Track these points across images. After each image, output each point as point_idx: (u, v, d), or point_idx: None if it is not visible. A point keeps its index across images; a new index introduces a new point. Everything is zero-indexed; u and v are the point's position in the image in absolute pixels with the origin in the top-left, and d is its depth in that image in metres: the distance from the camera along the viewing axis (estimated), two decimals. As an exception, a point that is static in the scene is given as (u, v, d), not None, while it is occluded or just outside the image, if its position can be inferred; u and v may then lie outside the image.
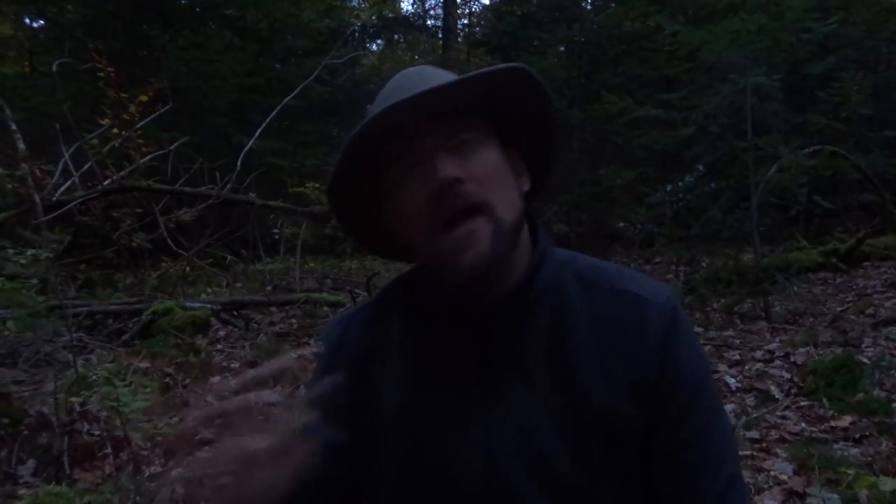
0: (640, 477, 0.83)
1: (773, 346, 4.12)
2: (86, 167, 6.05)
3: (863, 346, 3.88)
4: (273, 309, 5.90)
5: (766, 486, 2.40)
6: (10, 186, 5.41)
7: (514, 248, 0.79)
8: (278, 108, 7.32)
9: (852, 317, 4.74)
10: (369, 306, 0.93)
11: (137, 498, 2.47)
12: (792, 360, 3.79)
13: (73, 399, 3.09)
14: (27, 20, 12.85)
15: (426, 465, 0.82)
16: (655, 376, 0.80)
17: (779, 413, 3.12)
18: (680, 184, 7.50)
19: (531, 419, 0.80)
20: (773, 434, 2.87)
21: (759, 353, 3.98)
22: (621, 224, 10.63)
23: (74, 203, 5.60)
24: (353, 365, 0.88)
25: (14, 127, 5.14)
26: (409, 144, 0.76)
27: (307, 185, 7.45)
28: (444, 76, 0.81)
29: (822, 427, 2.91)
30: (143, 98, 6.37)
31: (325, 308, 5.60)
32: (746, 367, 3.76)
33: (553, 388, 0.80)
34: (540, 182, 0.90)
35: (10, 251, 4.01)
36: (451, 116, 0.76)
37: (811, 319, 4.84)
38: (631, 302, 0.83)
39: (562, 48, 10.49)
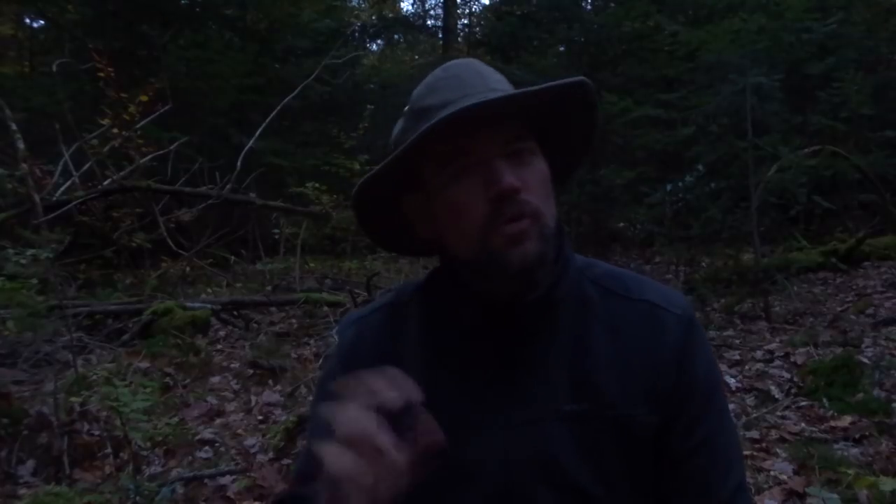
0: (652, 482, 0.84)
1: (773, 346, 4.12)
2: (86, 167, 6.05)
3: (863, 346, 3.88)
4: (273, 309, 5.89)
5: (766, 486, 2.41)
6: (10, 186, 5.41)
7: (554, 252, 0.80)
8: (278, 108, 7.32)
9: (852, 317, 4.74)
10: (384, 307, 0.93)
11: (137, 498, 2.47)
12: (792, 360, 3.79)
13: (73, 399, 3.09)
14: (27, 20, 12.85)
15: (445, 464, 0.82)
16: (671, 383, 0.82)
17: (779, 413, 3.12)
18: (680, 184, 7.50)
19: (548, 424, 0.81)
20: (773, 434, 2.87)
21: (759, 353, 3.98)
22: (621, 224, 10.62)
23: (74, 203, 5.60)
24: (368, 365, 0.88)
25: (14, 127, 5.13)
26: (471, 144, 0.77)
27: (307, 185, 7.45)
28: (495, 76, 0.82)
29: (822, 427, 2.91)
30: (143, 98, 6.37)
31: (325, 308, 5.59)
32: (746, 367, 3.76)
33: (571, 394, 0.81)
34: (564, 181, 0.92)
35: (10, 251, 4.01)
36: (510, 122, 0.77)
37: (811, 319, 4.84)
38: (648, 311, 0.84)
39: (562, 48, 10.49)
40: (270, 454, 3.01)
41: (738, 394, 3.41)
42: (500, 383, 0.82)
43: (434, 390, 0.83)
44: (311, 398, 3.53)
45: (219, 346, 4.86)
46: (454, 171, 0.78)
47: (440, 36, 15.93)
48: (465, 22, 17.99)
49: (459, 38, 15.99)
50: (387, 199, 0.85)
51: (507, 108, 0.76)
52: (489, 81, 0.80)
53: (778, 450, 2.70)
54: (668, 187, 7.55)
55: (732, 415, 3.04)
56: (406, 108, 0.85)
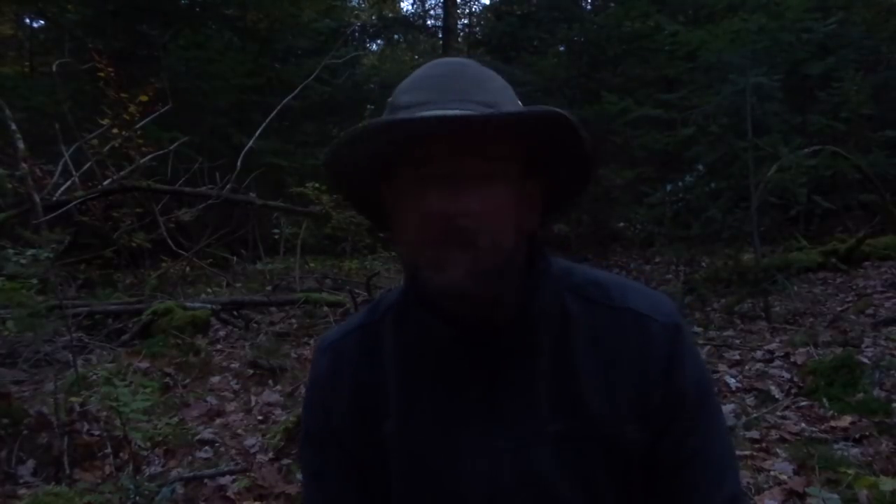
0: (643, 496, 0.83)
1: (773, 346, 4.11)
2: (86, 167, 6.05)
3: (863, 346, 3.87)
4: (273, 309, 5.89)
5: (766, 486, 2.40)
6: (10, 186, 5.41)
7: (492, 287, 0.75)
8: (278, 108, 7.32)
9: (852, 317, 4.74)
10: (356, 330, 0.90)
11: (137, 498, 2.47)
12: (792, 360, 3.78)
13: (73, 399, 3.09)
14: (27, 20, 12.85)
15: (430, 489, 0.81)
16: (660, 395, 0.79)
17: (779, 413, 3.11)
18: (680, 184, 7.51)
19: (533, 444, 0.79)
20: (773, 434, 2.87)
21: (759, 353, 3.98)
22: (621, 224, 10.63)
23: (74, 203, 5.60)
24: (348, 395, 0.86)
25: (14, 127, 5.14)
26: (425, 156, 0.73)
27: (307, 185, 7.45)
28: (484, 83, 0.76)
29: (822, 427, 2.91)
30: (143, 98, 6.37)
31: (325, 308, 5.60)
32: (746, 367, 3.76)
33: (555, 412, 0.79)
34: (559, 210, 0.88)
35: (10, 251, 4.01)
36: (474, 139, 0.72)
37: (811, 319, 4.84)
38: (632, 320, 0.81)
39: (562, 48, 10.50)
40: (270, 454, 3.01)
41: (738, 394, 3.41)
42: (482, 404, 0.80)
43: (415, 412, 0.82)
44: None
45: (219, 346, 4.85)
46: (408, 177, 0.74)
47: (440, 36, 15.90)
48: (465, 22, 18.01)
49: (459, 38, 15.99)
50: (369, 182, 0.82)
51: (455, 126, 0.70)
52: (470, 89, 0.74)
53: (778, 450, 2.70)
54: (668, 187, 7.56)
55: (732, 415, 3.06)
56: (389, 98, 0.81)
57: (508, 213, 0.75)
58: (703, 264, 6.96)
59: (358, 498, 0.87)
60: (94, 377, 3.52)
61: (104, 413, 3.12)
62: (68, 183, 5.86)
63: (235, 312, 5.68)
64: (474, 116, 0.70)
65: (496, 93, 0.77)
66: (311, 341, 4.94)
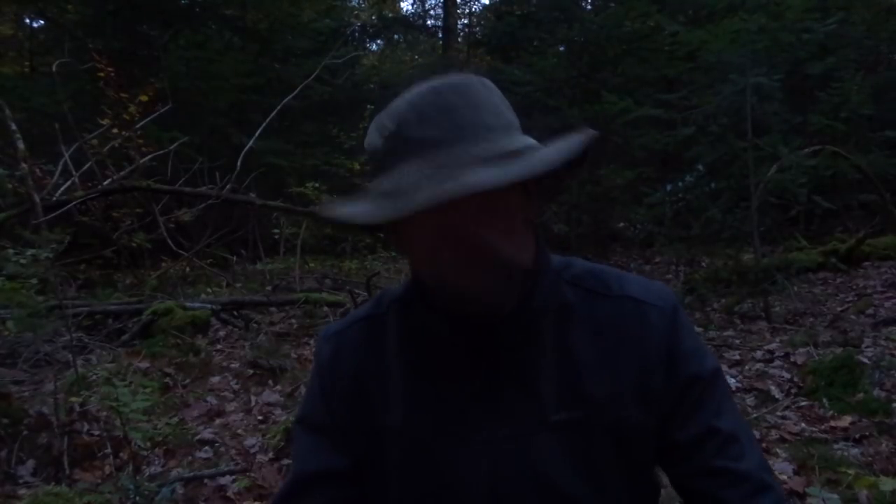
0: (649, 480, 0.83)
1: (773, 346, 4.11)
2: (86, 167, 6.05)
3: (863, 346, 3.88)
4: (273, 309, 5.89)
5: (766, 486, 2.40)
6: (10, 186, 5.41)
7: (514, 289, 0.77)
8: (278, 108, 7.31)
9: (852, 317, 4.74)
10: (361, 320, 0.91)
11: (137, 498, 2.47)
12: (792, 360, 3.78)
13: (73, 399, 3.09)
14: (27, 20, 12.85)
15: (431, 482, 0.82)
16: (662, 378, 0.80)
17: (779, 413, 3.11)
18: (680, 184, 7.50)
19: (535, 435, 0.79)
20: (773, 434, 2.87)
21: (759, 353, 3.98)
22: (621, 224, 10.63)
23: (74, 203, 5.60)
24: (349, 383, 0.87)
25: (14, 127, 5.13)
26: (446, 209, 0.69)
27: (307, 185, 7.45)
28: (489, 103, 0.74)
29: (822, 427, 2.91)
30: (143, 98, 6.38)
31: (325, 308, 5.60)
32: (746, 367, 3.76)
33: (558, 402, 0.80)
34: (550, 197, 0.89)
35: (10, 251, 4.01)
36: None
37: (811, 319, 4.84)
38: (631, 307, 0.83)
39: (562, 48, 10.48)
40: (270, 454, 3.01)
41: (738, 394, 3.41)
42: (485, 397, 0.81)
43: (418, 405, 0.83)
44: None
45: (219, 346, 4.85)
46: (427, 219, 0.71)
47: (440, 36, 15.91)
48: (465, 22, 18.02)
49: (459, 38, 15.99)
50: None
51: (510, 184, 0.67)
52: (485, 117, 0.72)
53: (778, 450, 2.70)
54: (668, 187, 7.55)
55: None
56: (385, 121, 0.76)
57: (526, 219, 0.78)
58: (703, 264, 6.96)
59: (349, 491, 0.87)
60: (94, 377, 3.51)
61: (104, 413, 3.12)
62: (68, 183, 5.86)
63: (235, 312, 5.68)
64: (522, 173, 0.67)
65: (501, 107, 0.76)
66: (311, 341, 4.94)
